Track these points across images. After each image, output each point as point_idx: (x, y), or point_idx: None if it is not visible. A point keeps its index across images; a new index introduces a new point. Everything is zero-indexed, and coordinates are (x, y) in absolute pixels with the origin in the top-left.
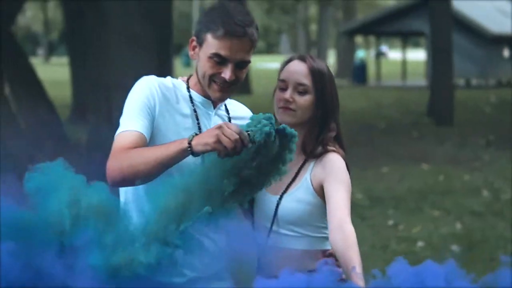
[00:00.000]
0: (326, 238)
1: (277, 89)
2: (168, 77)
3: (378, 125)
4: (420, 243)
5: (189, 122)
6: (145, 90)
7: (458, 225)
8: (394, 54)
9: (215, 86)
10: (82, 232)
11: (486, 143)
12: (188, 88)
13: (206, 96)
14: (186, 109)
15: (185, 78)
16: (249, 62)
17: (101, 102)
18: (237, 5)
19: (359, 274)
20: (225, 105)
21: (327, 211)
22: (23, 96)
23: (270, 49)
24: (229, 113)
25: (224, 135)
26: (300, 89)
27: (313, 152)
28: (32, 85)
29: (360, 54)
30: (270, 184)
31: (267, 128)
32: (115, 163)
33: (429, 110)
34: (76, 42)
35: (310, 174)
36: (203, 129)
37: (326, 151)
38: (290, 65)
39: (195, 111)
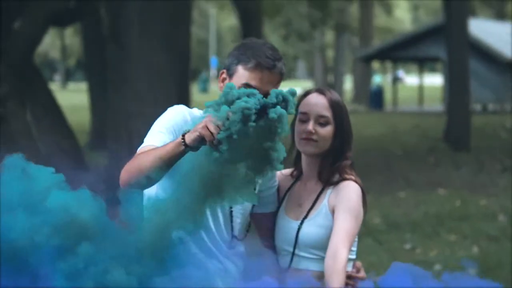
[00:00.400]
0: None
1: (298, 121)
2: (195, 108)
3: (395, 151)
4: (437, 267)
5: None
6: (176, 116)
7: (475, 249)
8: (411, 79)
9: None
10: (42, 255)
11: (502, 168)
12: None
13: None
14: None
15: None
16: None
17: (120, 129)
18: (266, 42)
19: None
20: None
21: (331, 234)
22: (43, 121)
23: (287, 74)
24: None
25: (211, 121)
26: (322, 121)
27: (329, 179)
28: (52, 111)
29: (377, 79)
30: (275, 168)
31: (242, 104)
32: (126, 167)
33: (446, 135)
34: (95, 68)
35: (327, 200)
36: None
37: (344, 179)
38: (309, 98)
39: None
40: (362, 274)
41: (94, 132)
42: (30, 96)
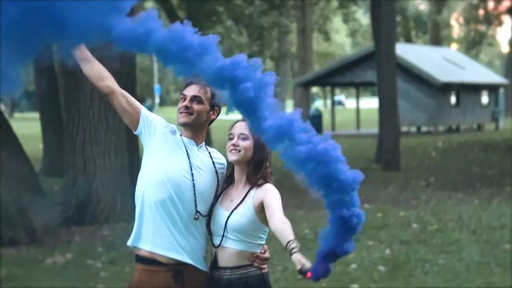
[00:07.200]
0: (259, 245)
1: (228, 141)
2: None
3: None
4: (353, 265)
5: (183, 150)
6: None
7: (387, 251)
8: (352, 103)
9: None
10: None
11: (425, 184)
12: (180, 134)
13: (190, 138)
14: (182, 144)
15: None
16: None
17: (76, 155)
18: None
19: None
20: (209, 151)
21: (270, 213)
22: (2, 150)
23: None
24: (211, 156)
25: None
26: (242, 137)
27: (256, 183)
28: (9, 140)
29: (318, 103)
30: None
31: None
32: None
33: (377, 156)
34: (47, 98)
35: (252, 198)
36: (190, 155)
37: (266, 182)
38: (235, 124)
39: (185, 145)
40: (267, 255)
41: (46, 159)
42: None
